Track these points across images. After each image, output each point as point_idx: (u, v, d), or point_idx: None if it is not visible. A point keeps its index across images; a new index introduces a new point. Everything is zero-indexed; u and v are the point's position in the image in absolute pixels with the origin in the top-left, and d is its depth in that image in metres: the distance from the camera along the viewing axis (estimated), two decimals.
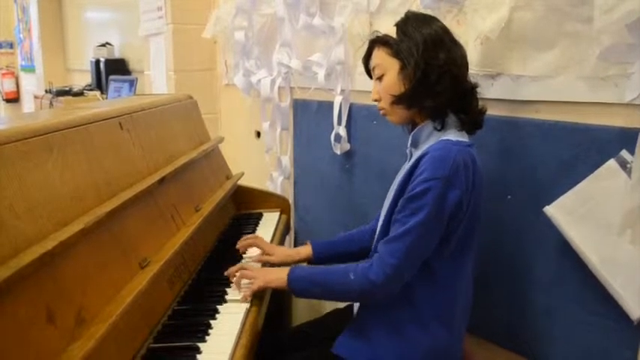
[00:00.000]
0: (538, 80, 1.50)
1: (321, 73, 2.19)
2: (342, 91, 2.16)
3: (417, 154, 1.39)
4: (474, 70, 1.61)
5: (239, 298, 1.48)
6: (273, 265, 1.71)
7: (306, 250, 1.72)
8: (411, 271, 1.33)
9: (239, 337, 1.30)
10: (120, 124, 1.55)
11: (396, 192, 1.39)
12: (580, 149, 1.43)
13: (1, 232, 0.95)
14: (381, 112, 1.47)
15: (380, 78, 1.44)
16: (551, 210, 1.46)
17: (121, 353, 1.16)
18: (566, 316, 1.51)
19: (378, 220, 1.63)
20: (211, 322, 1.35)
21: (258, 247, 1.76)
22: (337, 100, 2.17)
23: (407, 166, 1.42)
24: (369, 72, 1.51)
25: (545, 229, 1.49)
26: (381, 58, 1.43)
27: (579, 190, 1.41)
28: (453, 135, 1.36)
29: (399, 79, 1.38)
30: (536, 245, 1.55)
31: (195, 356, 1.20)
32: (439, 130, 1.38)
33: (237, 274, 1.53)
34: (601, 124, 1.39)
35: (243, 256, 1.79)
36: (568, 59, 1.43)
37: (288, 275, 1.43)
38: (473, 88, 1.42)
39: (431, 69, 1.34)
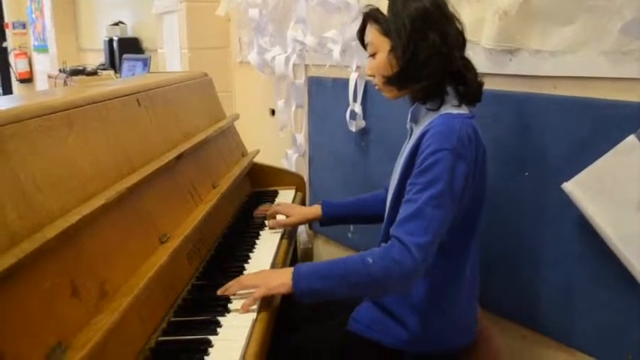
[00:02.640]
0: (557, 55, 1.49)
1: (336, 50, 2.18)
2: (358, 67, 2.15)
3: (418, 129, 1.37)
4: (491, 46, 1.60)
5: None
6: (293, 223, 1.78)
7: (316, 210, 1.75)
8: (434, 247, 1.23)
9: (258, 311, 1.31)
10: (137, 100, 1.56)
11: (402, 169, 1.37)
12: (599, 125, 1.42)
13: (25, 206, 0.96)
14: (376, 87, 1.45)
15: (373, 55, 1.41)
16: (570, 186, 1.45)
17: (144, 326, 1.18)
18: (583, 293, 1.51)
19: (386, 189, 1.63)
20: (231, 296, 1.36)
21: (277, 213, 1.81)
22: (352, 77, 2.17)
23: (410, 142, 1.41)
24: (364, 45, 1.47)
25: (563, 205, 1.49)
26: (373, 35, 1.40)
27: (598, 167, 1.41)
28: (453, 108, 1.34)
29: (388, 59, 1.35)
30: (553, 222, 1.55)
31: (216, 330, 1.21)
32: (439, 105, 1.35)
33: (234, 287, 1.34)
34: (621, 99, 1.38)
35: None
36: (588, 34, 1.41)
37: (293, 276, 1.28)
38: (467, 63, 1.37)
39: (419, 51, 1.30)
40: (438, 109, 1.35)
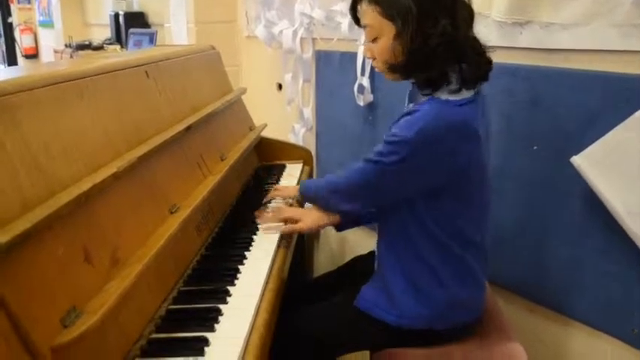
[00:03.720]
0: (568, 28, 1.48)
1: (344, 23, 2.17)
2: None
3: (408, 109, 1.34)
4: (501, 18, 1.59)
5: (275, 232, 1.59)
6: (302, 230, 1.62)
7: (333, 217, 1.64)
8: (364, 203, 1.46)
9: (267, 282, 1.33)
10: (146, 72, 1.56)
11: None
12: (609, 98, 1.41)
13: (38, 174, 0.97)
14: (376, 69, 1.38)
15: (374, 40, 1.32)
16: (578, 160, 1.45)
17: (154, 295, 1.19)
18: (591, 267, 1.51)
19: None
20: (239, 267, 1.38)
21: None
22: (361, 51, 2.15)
23: None
24: (357, 21, 1.37)
25: (572, 179, 1.49)
26: (373, 18, 1.29)
27: (607, 140, 1.40)
28: (446, 94, 1.26)
29: (393, 46, 1.27)
30: (561, 196, 1.55)
31: (225, 299, 1.22)
32: (434, 90, 1.27)
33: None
34: (632, 72, 1.37)
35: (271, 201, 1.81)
36: (600, 6, 1.40)
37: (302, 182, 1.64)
38: (476, 43, 1.30)
39: (429, 39, 1.22)
40: (430, 94, 1.28)
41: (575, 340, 1.61)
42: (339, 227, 1.65)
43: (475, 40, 1.30)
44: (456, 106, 1.25)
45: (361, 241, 2.35)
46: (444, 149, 1.25)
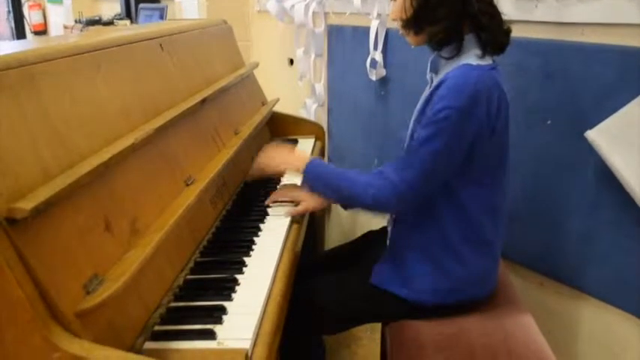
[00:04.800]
0: (584, 1, 1.47)
1: None
2: (379, 15, 2.12)
3: (437, 79, 1.34)
4: None
5: (282, 214, 1.56)
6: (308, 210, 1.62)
7: None
8: (425, 196, 1.33)
9: (282, 253, 1.34)
10: (160, 45, 1.56)
11: (414, 118, 1.36)
12: (625, 72, 1.41)
13: (58, 144, 0.98)
14: (400, 33, 1.40)
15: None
16: (593, 134, 1.45)
17: (172, 265, 1.21)
18: (603, 241, 1.52)
19: None
20: (254, 238, 1.39)
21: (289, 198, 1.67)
22: (373, 25, 2.14)
23: (427, 92, 1.38)
24: None
25: (585, 154, 1.49)
26: None
27: (623, 115, 1.40)
28: (474, 59, 1.28)
29: (404, 1, 1.31)
30: (575, 170, 1.55)
31: (241, 269, 1.24)
32: (460, 55, 1.30)
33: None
34: None
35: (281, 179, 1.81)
36: None
37: (304, 171, 1.47)
38: (491, 8, 1.31)
39: None
40: (456, 57, 1.30)
41: (586, 313, 1.62)
42: (347, 206, 1.66)
43: (492, 6, 1.31)
44: (487, 70, 1.27)
45: (373, 217, 2.36)
46: (490, 111, 1.26)
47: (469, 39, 1.30)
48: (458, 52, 1.30)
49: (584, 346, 1.65)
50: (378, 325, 1.84)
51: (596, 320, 1.60)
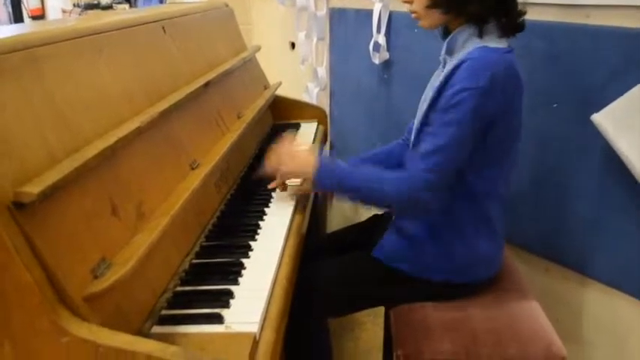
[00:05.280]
0: None
1: None
2: None
3: (452, 61, 1.32)
4: None
5: (288, 194, 1.56)
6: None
7: None
8: (447, 184, 1.29)
9: (287, 236, 1.34)
10: (163, 28, 1.54)
11: (430, 101, 1.33)
12: (631, 55, 1.39)
13: (63, 128, 0.97)
14: (413, 15, 1.37)
15: None
16: (599, 118, 1.44)
17: (177, 249, 1.20)
18: (609, 227, 1.51)
19: (409, 132, 1.62)
20: (260, 222, 1.39)
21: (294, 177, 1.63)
22: (377, 8, 2.12)
23: (441, 74, 1.35)
24: None
25: (591, 137, 1.48)
26: None
27: (629, 98, 1.39)
28: (492, 42, 1.28)
29: None
30: (581, 154, 1.55)
31: (247, 253, 1.24)
32: (477, 37, 1.29)
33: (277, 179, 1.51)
34: None
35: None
36: None
37: (315, 173, 1.38)
38: None
39: None
40: (475, 39, 1.29)
41: (592, 298, 1.62)
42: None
43: None
44: (505, 54, 1.26)
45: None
46: (507, 94, 1.26)
47: (490, 21, 1.29)
48: (478, 34, 1.29)
49: (589, 332, 1.65)
50: (381, 310, 1.84)
51: (603, 305, 1.60)
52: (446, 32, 1.38)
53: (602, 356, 1.64)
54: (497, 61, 1.24)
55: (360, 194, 1.36)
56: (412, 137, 1.44)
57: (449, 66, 1.31)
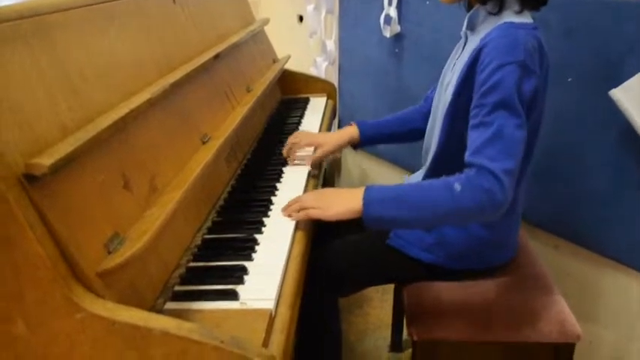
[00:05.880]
0: None
1: None
2: None
3: (474, 38, 1.27)
4: None
5: (302, 162, 1.55)
6: (327, 153, 1.59)
7: (350, 132, 1.62)
8: (517, 168, 1.13)
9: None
10: None
11: (458, 82, 1.25)
12: None
13: (75, 98, 0.94)
14: None
15: None
16: (618, 93, 1.41)
17: (189, 224, 1.18)
18: (627, 203, 1.49)
19: (427, 101, 1.58)
20: (272, 198, 1.36)
21: (305, 145, 1.61)
22: None
23: (465, 52, 1.30)
24: None
25: (608, 113, 1.45)
26: None
27: None
28: (515, 16, 1.21)
29: None
30: (597, 130, 1.52)
31: (260, 229, 1.21)
32: (500, 12, 1.22)
33: (294, 206, 1.26)
34: None
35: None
36: None
37: (364, 202, 1.16)
38: None
39: None
40: (498, 13, 1.23)
41: (603, 275, 1.61)
42: (357, 145, 1.66)
43: None
44: (532, 29, 1.19)
45: (383, 175, 2.33)
46: (543, 69, 1.20)
47: None
48: (500, 7, 1.22)
49: (600, 309, 1.64)
50: (390, 287, 1.83)
51: (614, 283, 1.58)
52: (469, 6, 1.32)
53: (612, 334, 1.63)
54: (527, 36, 1.16)
55: (424, 209, 1.15)
56: (441, 123, 1.33)
57: (472, 43, 1.26)
